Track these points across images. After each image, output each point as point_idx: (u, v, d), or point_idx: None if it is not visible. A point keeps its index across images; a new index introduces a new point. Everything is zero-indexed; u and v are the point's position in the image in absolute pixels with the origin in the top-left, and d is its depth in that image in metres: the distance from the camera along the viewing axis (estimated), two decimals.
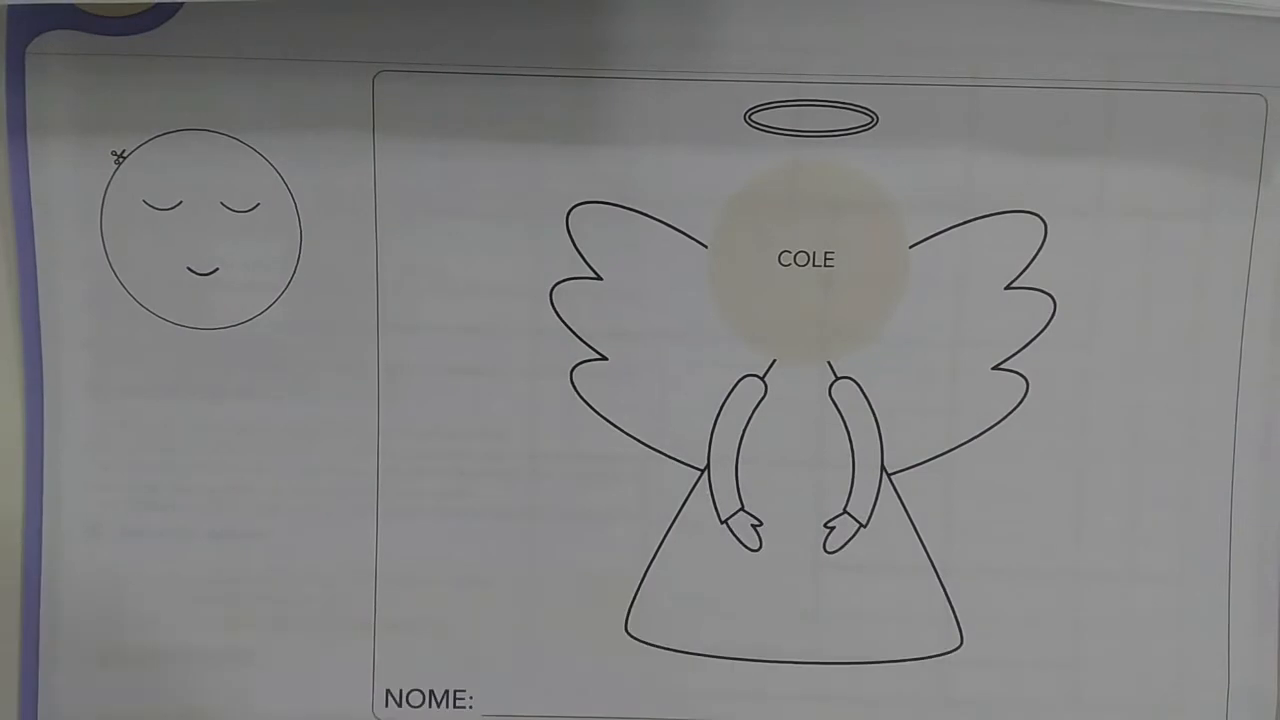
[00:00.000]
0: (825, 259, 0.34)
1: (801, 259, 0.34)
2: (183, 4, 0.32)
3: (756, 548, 0.35)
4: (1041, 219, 0.34)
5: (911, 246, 0.34)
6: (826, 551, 0.35)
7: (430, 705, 0.35)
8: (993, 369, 0.34)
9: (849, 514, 0.35)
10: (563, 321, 0.34)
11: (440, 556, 0.35)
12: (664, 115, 0.33)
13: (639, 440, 0.35)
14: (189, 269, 0.34)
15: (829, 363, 0.34)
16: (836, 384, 0.34)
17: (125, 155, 0.34)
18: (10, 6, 0.32)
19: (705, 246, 0.34)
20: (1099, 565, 0.35)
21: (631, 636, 0.35)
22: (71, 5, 0.33)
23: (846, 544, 0.35)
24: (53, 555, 0.34)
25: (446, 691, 0.35)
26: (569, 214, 0.34)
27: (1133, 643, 0.35)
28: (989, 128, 0.33)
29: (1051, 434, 0.34)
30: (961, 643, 0.35)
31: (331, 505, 0.35)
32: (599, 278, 0.34)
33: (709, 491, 0.35)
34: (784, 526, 0.35)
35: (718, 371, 0.34)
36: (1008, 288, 0.34)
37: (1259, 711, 0.35)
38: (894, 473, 0.35)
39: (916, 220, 0.34)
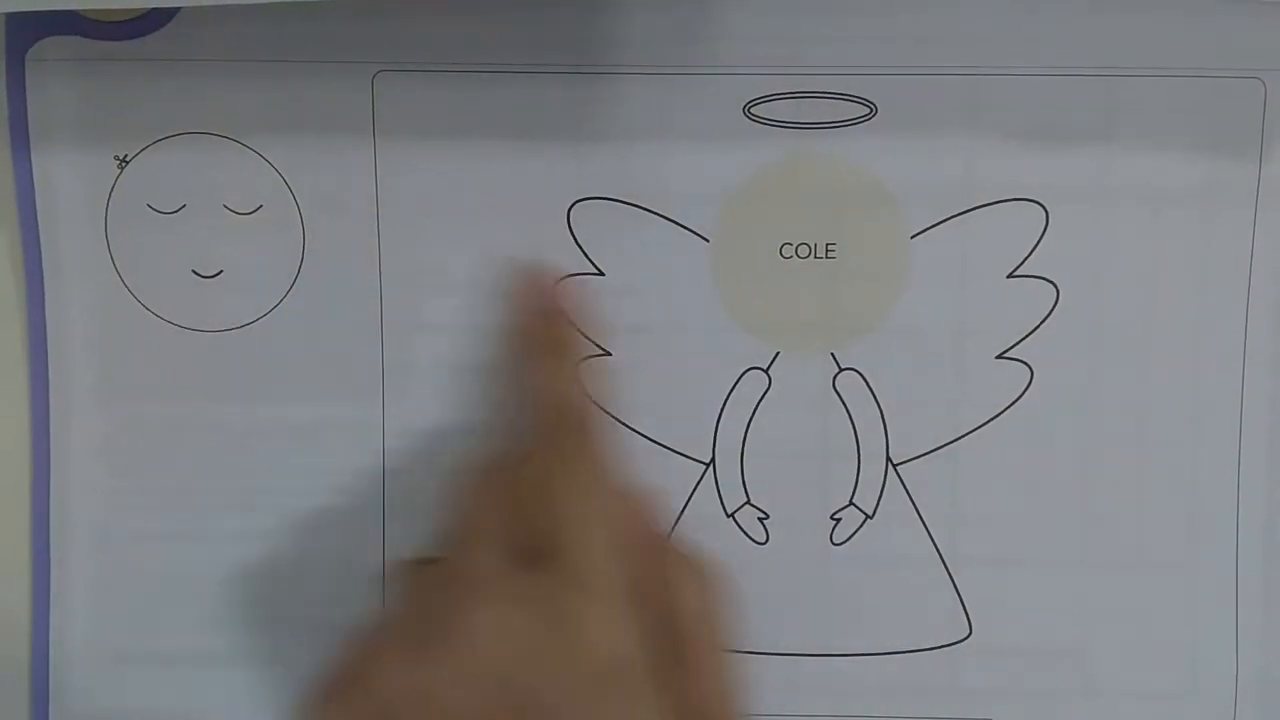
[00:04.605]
0: (827, 251, 0.34)
1: (803, 251, 0.34)
2: (181, 8, 0.33)
3: (763, 541, 0.35)
4: (1043, 207, 0.34)
5: (913, 236, 0.34)
6: (833, 543, 0.35)
7: None
8: (996, 358, 0.34)
9: (855, 505, 0.35)
10: None
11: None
12: (663, 110, 0.33)
13: (644, 435, 0.35)
14: (193, 272, 0.34)
15: (833, 354, 0.34)
16: (840, 375, 0.34)
17: (128, 160, 0.34)
18: (9, 13, 0.33)
19: (707, 240, 0.34)
20: (1106, 553, 0.35)
21: None
22: (71, 11, 0.33)
23: (853, 535, 0.35)
24: (60, 558, 0.34)
25: None
26: (570, 210, 0.34)
27: (1141, 630, 0.35)
28: (988, 116, 0.33)
29: (1056, 422, 0.34)
30: (970, 632, 0.35)
31: (338, 505, 0.35)
32: (601, 273, 0.34)
33: (715, 485, 0.35)
34: (790, 519, 0.35)
35: (721, 365, 0.34)
36: (1010, 276, 0.34)
37: (1268, 697, 0.35)
38: (899, 463, 0.35)
39: (917, 210, 0.34)
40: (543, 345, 0.32)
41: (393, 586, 0.31)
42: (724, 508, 0.35)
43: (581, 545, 0.28)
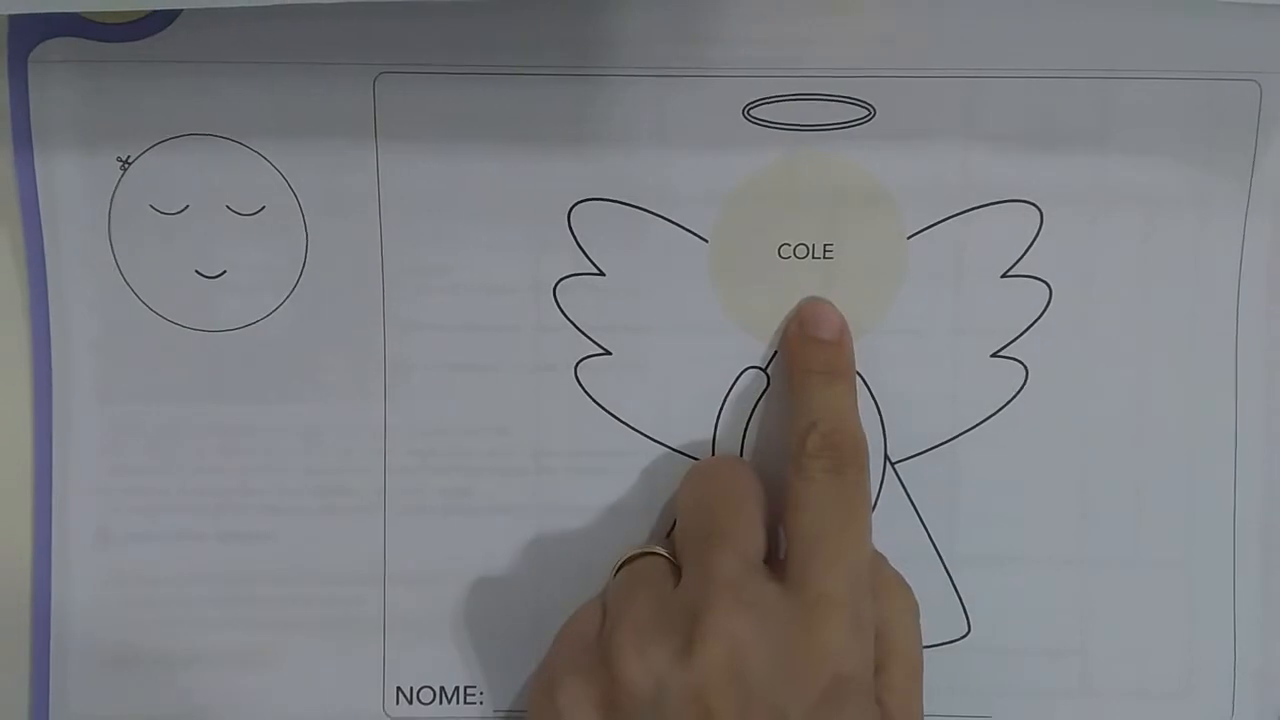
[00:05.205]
0: (824, 251, 0.34)
1: (801, 251, 0.34)
2: (183, 9, 0.33)
3: None
4: (1037, 208, 0.34)
5: (909, 237, 0.34)
6: None
7: (441, 702, 0.35)
8: (992, 356, 0.35)
9: None
10: (566, 317, 0.34)
11: (448, 553, 0.35)
12: (663, 112, 0.34)
13: (644, 434, 0.35)
14: (196, 272, 0.34)
15: None
16: None
17: (130, 161, 0.34)
18: (11, 14, 0.33)
19: (706, 241, 0.34)
20: (1104, 551, 0.35)
21: None
22: (73, 12, 0.33)
23: None
24: (62, 559, 0.34)
25: (457, 688, 0.35)
26: (570, 211, 0.34)
27: (1139, 628, 0.35)
28: (985, 118, 0.34)
29: (1052, 420, 0.35)
30: (969, 630, 0.35)
31: (339, 505, 0.35)
32: (601, 274, 0.34)
33: None
34: None
35: (720, 364, 0.35)
36: (1004, 276, 0.34)
37: (1265, 696, 0.35)
38: (897, 462, 0.35)
39: (914, 211, 0.34)
40: (827, 373, 0.33)
41: (621, 576, 0.32)
42: None
43: (829, 565, 0.30)
